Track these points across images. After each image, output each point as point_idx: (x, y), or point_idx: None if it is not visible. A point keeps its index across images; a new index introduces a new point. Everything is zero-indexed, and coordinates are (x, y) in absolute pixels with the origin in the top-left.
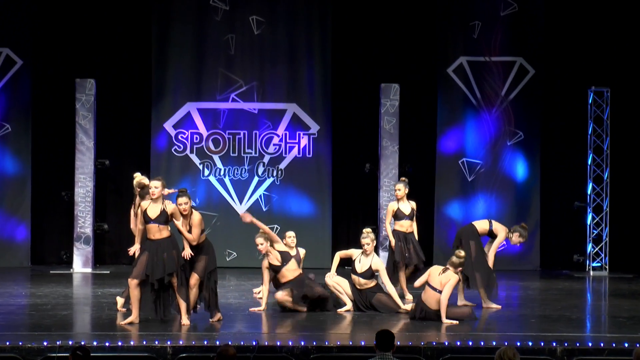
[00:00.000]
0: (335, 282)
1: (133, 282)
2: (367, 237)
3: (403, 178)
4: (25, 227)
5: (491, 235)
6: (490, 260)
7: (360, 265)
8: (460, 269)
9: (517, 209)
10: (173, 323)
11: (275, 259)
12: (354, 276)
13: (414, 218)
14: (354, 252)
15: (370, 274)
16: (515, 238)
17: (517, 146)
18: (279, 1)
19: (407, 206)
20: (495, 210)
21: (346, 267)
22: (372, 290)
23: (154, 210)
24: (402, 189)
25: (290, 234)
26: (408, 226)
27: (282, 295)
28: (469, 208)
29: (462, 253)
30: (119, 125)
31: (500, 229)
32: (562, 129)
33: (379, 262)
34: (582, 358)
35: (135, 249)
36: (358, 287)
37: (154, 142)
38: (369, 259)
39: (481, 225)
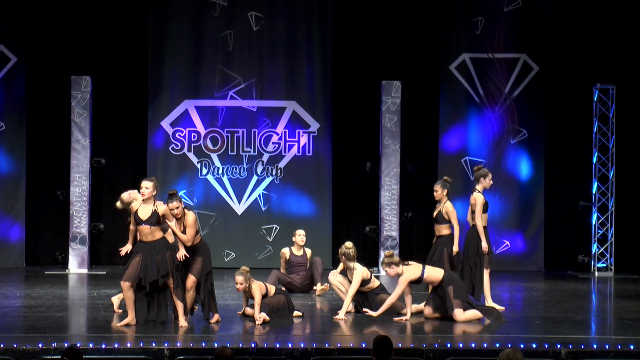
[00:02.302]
0: (339, 281)
1: (125, 285)
2: (339, 255)
3: (446, 177)
4: (20, 226)
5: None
6: (480, 228)
7: (349, 277)
8: (392, 265)
9: (520, 208)
10: (170, 325)
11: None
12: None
13: (444, 220)
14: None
15: (363, 282)
16: (487, 183)
17: (520, 144)
18: None
19: (438, 209)
20: (498, 209)
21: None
22: (375, 291)
23: (144, 212)
24: (438, 190)
25: (300, 232)
26: (435, 230)
27: (250, 312)
28: None
29: (387, 252)
30: (115, 123)
31: (475, 197)
32: (567, 127)
33: (356, 275)
34: None
35: (127, 249)
36: (361, 290)
37: (150, 140)
38: (353, 272)
39: (471, 216)
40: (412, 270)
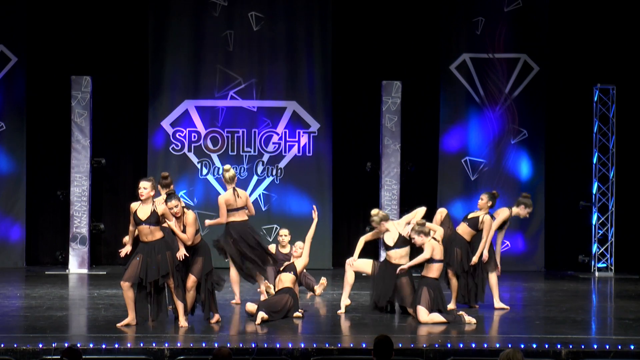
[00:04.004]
0: (353, 269)
1: (125, 285)
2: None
3: (494, 192)
4: (20, 226)
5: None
6: (488, 242)
7: (391, 238)
8: (422, 234)
9: None
10: (170, 325)
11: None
12: (388, 252)
13: (475, 228)
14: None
15: (403, 240)
16: (523, 212)
17: (521, 144)
18: None
19: (475, 214)
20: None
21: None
22: (400, 270)
23: (144, 212)
24: (484, 198)
25: (283, 232)
26: (459, 228)
27: (251, 309)
28: (472, 207)
29: (420, 220)
30: (116, 123)
31: (503, 210)
32: (567, 127)
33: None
34: None
35: (126, 250)
36: (390, 261)
37: (151, 140)
38: (394, 229)
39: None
40: (436, 245)
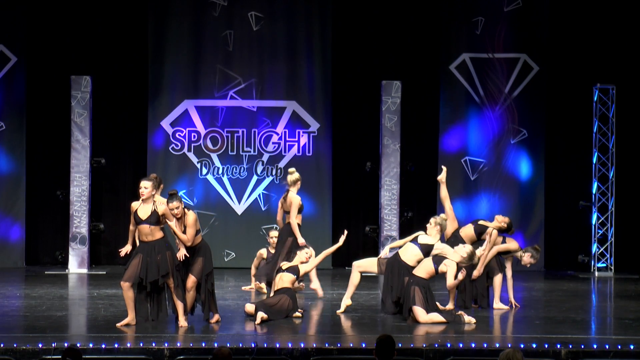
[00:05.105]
0: (359, 269)
1: (125, 285)
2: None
3: (513, 228)
4: (20, 226)
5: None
6: (490, 256)
7: (425, 239)
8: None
9: (521, 208)
10: (170, 325)
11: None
12: (409, 243)
13: (478, 234)
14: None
15: (428, 250)
16: (527, 259)
17: (521, 144)
18: None
19: (486, 224)
20: (498, 209)
21: (347, 268)
22: (411, 275)
23: (144, 211)
24: (507, 220)
25: (274, 234)
26: (467, 232)
27: (250, 309)
28: (472, 207)
29: (471, 250)
30: (115, 123)
31: (509, 246)
32: (567, 127)
33: (448, 252)
34: None
35: (126, 250)
36: (400, 257)
37: (150, 140)
38: (434, 238)
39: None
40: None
